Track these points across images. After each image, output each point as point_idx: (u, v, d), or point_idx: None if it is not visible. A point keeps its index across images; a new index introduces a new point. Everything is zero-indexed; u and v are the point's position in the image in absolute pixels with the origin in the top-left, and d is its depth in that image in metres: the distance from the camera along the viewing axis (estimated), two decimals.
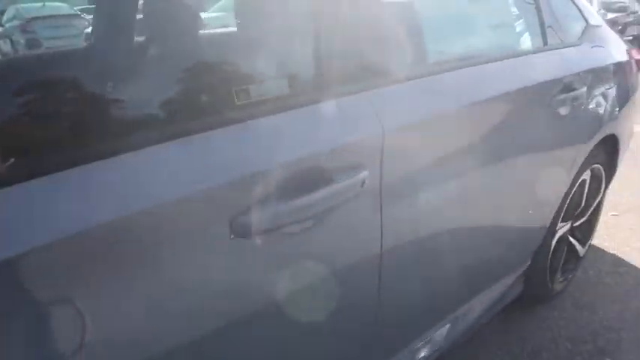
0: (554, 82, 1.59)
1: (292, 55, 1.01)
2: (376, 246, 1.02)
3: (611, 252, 2.74)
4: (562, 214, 1.93)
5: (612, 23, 15.64)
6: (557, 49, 1.72)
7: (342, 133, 0.93)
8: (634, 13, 18.30)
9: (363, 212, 0.98)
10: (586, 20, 2.07)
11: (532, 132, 1.51)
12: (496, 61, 1.40)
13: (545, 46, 1.69)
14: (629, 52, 2.49)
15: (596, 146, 1.96)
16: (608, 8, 16.46)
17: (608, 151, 2.23)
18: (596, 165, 2.10)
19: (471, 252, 1.42)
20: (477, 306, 1.54)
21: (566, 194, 1.86)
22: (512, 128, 1.41)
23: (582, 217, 2.20)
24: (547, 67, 1.60)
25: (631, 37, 13.51)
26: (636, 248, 2.78)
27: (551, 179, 1.71)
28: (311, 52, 0.96)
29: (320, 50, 0.97)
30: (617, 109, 2.14)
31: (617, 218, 3.15)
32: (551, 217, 1.81)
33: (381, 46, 1.07)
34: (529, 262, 1.85)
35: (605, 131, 2.01)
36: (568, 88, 1.64)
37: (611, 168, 2.33)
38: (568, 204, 1.93)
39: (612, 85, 2.07)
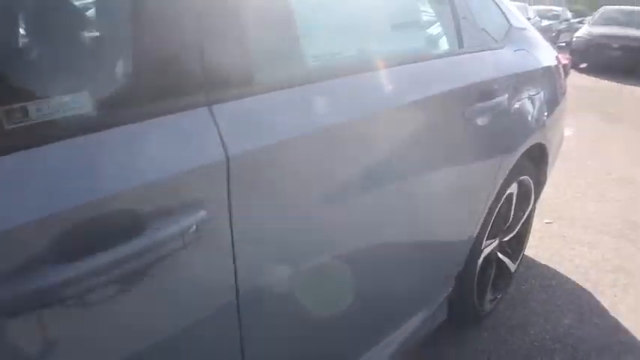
0: (470, 88, 1.42)
1: (100, 60, 0.73)
2: (230, 304, 0.80)
3: (545, 263, 2.64)
4: (487, 232, 1.77)
5: (547, 30, 16.23)
6: (474, 52, 1.57)
7: (166, 163, 0.69)
8: (566, 20, 19.11)
9: (201, 265, 0.75)
10: (509, 22, 1.94)
11: (445, 145, 1.33)
12: (399, 65, 1.21)
13: (461, 49, 1.52)
14: (557, 57, 2.40)
15: (523, 157, 1.82)
16: (542, 16, 17.08)
17: (537, 161, 2.11)
18: (523, 177, 1.97)
19: (376, 288, 1.23)
20: (386, 348, 1.33)
21: (491, 210, 1.71)
22: (421, 142, 1.23)
23: (511, 231, 2.06)
24: (462, 72, 1.43)
25: (564, 44, 13.98)
26: (569, 258, 2.69)
27: (471, 196, 1.55)
28: (126, 54, 0.70)
29: (138, 52, 0.71)
30: (545, 116, 2.02)
31: (550, 226, 3.08)
32: (474, 236, 1.65)
33: (231, 44, 0.81)
34: (452, 287, 1.68)
35: (532, 141, 1.88)
36: (486, 94, 1.48)
37: (540, 178, 2.21)
38: (494, 220, 1.78)
39: (538, 90, 1.94)
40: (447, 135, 1.32)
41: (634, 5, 16.54)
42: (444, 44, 1.51)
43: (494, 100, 1.50)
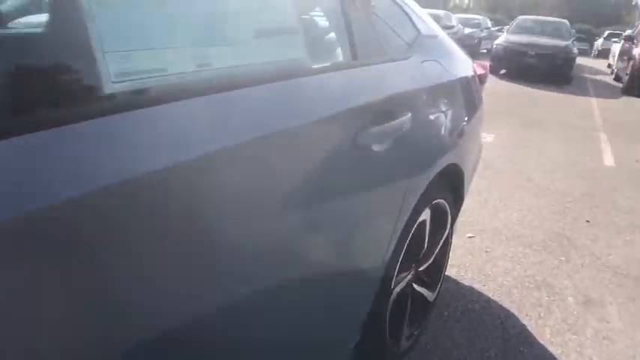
0: (363, 109, 1.16)
1: None
2: None
3: (468, 284, 2.48)
4: (398, 266, 1.55)
5: (469, 37, 16.74)
6: (371, 64, 1.33)
7: None
8: (487, 28, 19.87)
9: None
10: (417, 30, 1.75)
11: (333, 179, 1.07)
12: (268, 82, 0.95)
13: (355, 61, 1.30)
14: (473, 66, 2.26)
15: (435, 181, 1.62)
16: (465, 24, 17.63)
17: (452, 182, 1.93)
18: (438, 200, 1.77)
19: (261, 342, 0.97)
20: None
21: (400, 242, 1.49)
22: (298, 176, 0.97)
23: (427, 260, 1.86)
24: (353, 89, 1.17)
25: (485, 50, 14.42)
26: (492, 276, 2.55)
27: (372, 232, 1.32)
28: None
29: None
30: (459, 133, 1.84)
31: (473, 241, 2.94)
32: (381, 273, 1.42)
33: None
34: (360, 333, 1.44)
35: (444, 162, 1.69)
36: (385, 115, 1.24)
37: (457, 200, 2.04)
38: (405, 252, 1.56)
39: (450, 105, 1.75)
40: (334, 166, 1.07)
41: (547, 15, 17.44)
42: (331, 55, 1.25)
43: (395, 122, 1.28)
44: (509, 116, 6.84)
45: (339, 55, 1.26)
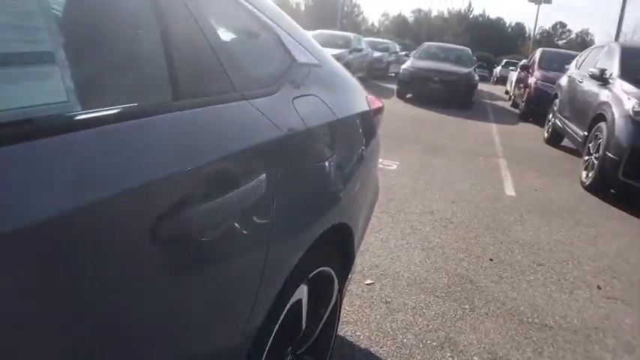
0: (173, 183, 0.79)
1: None
2: None
3: (364, 346, 2.15)
4: (264, 357, 1.17)
5: (378, 61, 17.01)
6: (202, 106, 0.93)
7: None
8: (395, 53, 20.42)
9: None
10: (292, 58, 1.40)
11: (166, 263, 0.71)
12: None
13: (177, 102, 0.88)
14: (367, 99, 1.96)
15: (312, 250, 1.27)
16: (374, 47, 17.97)
17: (339, 245, 1.61)
18: (321, 270, 1.43)
19: None
20: None
21: (264, 333, 1.11)
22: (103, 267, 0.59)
23: (309, 339, 1.50)
24: (162, 145, 0.80)
25: (393, 74, 14.66)
26: (392, 334, 2.24)
27: (219, 330, 0.94)
28: None
29: None
30: (346, 185, 1.52)
31: (372, 289, 2.64)
32: None
33: None
34: None
35: (326, 224, 1.35)
36: (217, 185, 0.87)
37: (346, 263, 1.71)
38: (275, 339, 1.19)
39: (333, 152, 1.42)
40: (125, 261, 0.69)
41: (451, 43, 18.23)
42: (128, 95, 0.81)
43: (233, 193, 0.90)
44: (414, 142, 6.79)
45: (148, 93, 0.86)
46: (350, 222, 1.57)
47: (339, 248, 1.62)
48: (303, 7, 68.46)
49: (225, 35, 1.20)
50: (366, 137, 1.83)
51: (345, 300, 2.46)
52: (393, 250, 3.14)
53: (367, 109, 1.88)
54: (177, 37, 0.92)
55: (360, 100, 1.87)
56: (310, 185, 1.26)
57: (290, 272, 1.16)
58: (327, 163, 1.35)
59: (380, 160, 5.32)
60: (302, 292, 1.32)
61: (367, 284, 2.67)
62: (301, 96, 1.33)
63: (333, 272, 1.54)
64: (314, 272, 1.38)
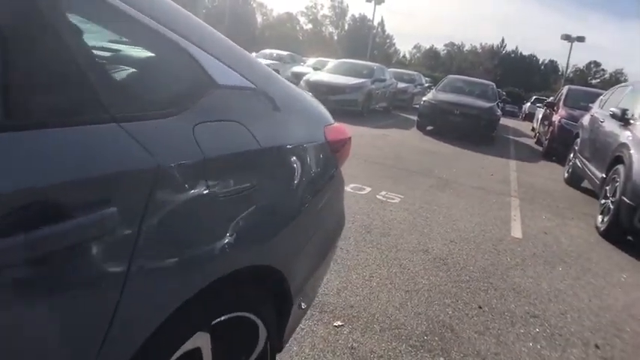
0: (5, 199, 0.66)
1: None
2: None
3: None
4: None
5: (402, 92, 16.91)
6: (40, 126, 0.80)
7: None
8: (420, 85, 20.32)
9: None
10: (210, 79, 1.25)
11: None
12: None
13: (9, 121, 0.77)
14: (325, 129, 1.80)
15: (214, 292, 1.11)
16: (399, 78, 17.91)
17: (267, 288, 1.44)
18: (235, 315, 1.26)
19: None
20: None
21: None
22: None
23: None
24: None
25: (417, 106, 14.50)
26: None
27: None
28: None
29: None
30: (268, 225, 1.35)
31: (339, 332, 2.43)
32: None
33: None
34: None
35: (232, 266, 1.19)
36: (52, 204, 0.74)
37: (281, 309, 1.53)
38: None
39: (243, 185, 1.25)
40: None
41: (482, 78, 18.03)
42: None
43: (58, 225, 0.75)
44: (424, 176, 6.57)
45: None
46: (278, 265, 1.40)
47: (268, 293, 1.44)
48: (335, 37, 69.40)
49: (116, 54, 1.07)
50: (315, 171, 1.67)
51: (307, 342, 2.27)
52: (373, 290, 2.93)
53: (321, 140, 1.72)
54: (18, 50, 0.79)
55: (313, 129, 1.71)
56: (202, 221, 1.10)
57: (169, 317, 0.99)
58: (234, 197, 1.19)
59: (383, 193, 5.18)
60: (202, 341, 1.15)
61: (336, 326, 2.46)
62: (211, 121, 1.18)
63: (257, 319, 1.36)
64: (222, 318, 1.21)
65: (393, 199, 5.11)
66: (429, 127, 11.94)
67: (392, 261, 3.42)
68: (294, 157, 1.52)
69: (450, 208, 5.13)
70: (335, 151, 1.83)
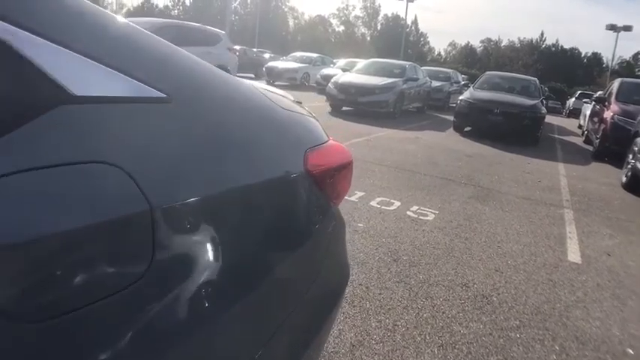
0: None
1: None
2: None
3: None
4: None
5: (437, 91, 16.16)
6: None
7: None
8: (457, 83, 19.43)
9: None
10: (65, 90, 0.70)
11: None
12: None
13: None
14: (315, 154, 1.23)
15: None
16: (433, 77, 17.12)
17: None
18: None
19: None
20: None
21: None
22: None
23: None
24: None
25: (454, 105, 13.73)
26: None
27: None
28: None
29: None
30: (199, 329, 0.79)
31: None
32: None
33: None
34: None
35: None
36: None
37: None
38: None
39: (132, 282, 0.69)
40: None
41: (521, 74, 17.04)
42: None
43: None
44: (462, 185, 5.87)
45: None
46: None
47: None
48: (368, 38, 68.63)
49: None
50: (285, 219, 1.08)
51: None
52: (397, 346, 2.31)
53: (297, 170, 1.14)
54: None
55: (283, 155, 1.14)
56: None
57: None
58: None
59: (414, 208, 4.51)
60: None
61: None
62: (39, 169, 0.61)
63: None
64: None
65: (426, 215, 4.46)
66: (467, 128, 11.17)
67: (422, 301, 2.79)
68: (234, 209, 0.94)
69: (494, 225, 4.44)
70: (322, 182, 1.25)
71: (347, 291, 2.74)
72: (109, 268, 0.70)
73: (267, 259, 1.03)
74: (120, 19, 0.94)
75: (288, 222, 1.13)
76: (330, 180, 1.29)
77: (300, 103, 1.62)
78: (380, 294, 2.80)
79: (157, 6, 72.18)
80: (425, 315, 2.63)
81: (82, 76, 0.75)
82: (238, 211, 0.94)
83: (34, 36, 0.71)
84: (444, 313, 2.68)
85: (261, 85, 1.41)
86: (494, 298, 2.94)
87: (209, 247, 0.87)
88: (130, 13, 65.24)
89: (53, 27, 0.75)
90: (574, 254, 3.94)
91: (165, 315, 0.76)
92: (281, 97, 1.43)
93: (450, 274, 3.21)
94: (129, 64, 0.84)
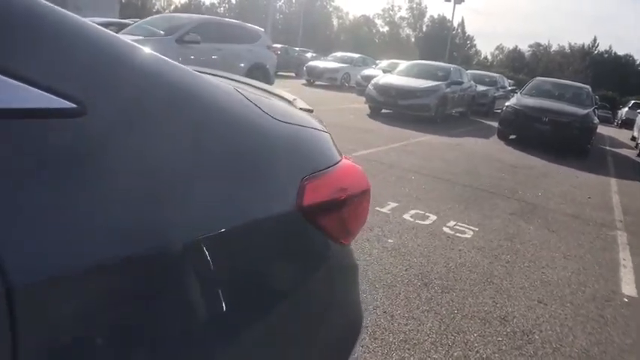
0: None
1: None
2: None
3: None
4: None
5: (482, 96, 15.61)
6: None
7: None
8: (503, 88, 18.75)
9: None
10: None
11: None
12: None
13: None
14: (316, 183, 0.97)
15: None
16: (479, 81, 16.56)
17: None
18: None
19: None
20: None
21: None
22: None
23: None
24: None
25: (499, 110, 13.18)
26: None
27: None
28: None
29: None
30: None
31: None
32: None
33: None
34: None
35: None
36: None
37: None
38: None
39: None
40: None
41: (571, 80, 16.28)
42: None
43: None
44: (505, 199, 5.48)
45: None
46: None
47: None
48: (413, 39, 67.70)
49: None
50: (268, 276, 0.82)
51: None
52: None
53: (286, 207, 0.88)
54: None
55: (265, 189, 0.88)
56: None
57: None
58: None
59: (451, 224, 4.17)
60: None
61: None
62: None
63: None
64: None
65: (464, 232, 4.12)
66: (512, 137, 10.64)
67: (454, 336, 2.48)
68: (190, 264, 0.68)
69: (538, 247, 4.05)
70: (322, 219, 0.97)
71: (369, 319, 2.47)
72: None
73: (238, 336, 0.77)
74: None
75: (267, 278, 0.86)
76: (335, 214, 1.02)
77: (312, 111, 1.35)
78: (406, 325, 2.50)
79: (203, 3, 73.20)
80: (456, 354, 2.32)
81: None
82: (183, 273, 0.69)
83: None
84: (477, 352, 2.37)
85: (257, 91, 1.15)
86: (537, 337, 2.60)
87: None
88: (177, 10, 66.43)
89: None
90: (629, 286, 3.52)
91: None
92: (282, 105, 1.16)
93: (487, 303, 2.88)
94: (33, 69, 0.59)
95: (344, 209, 1.04)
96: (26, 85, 0.56)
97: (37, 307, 0.52)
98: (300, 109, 1.31)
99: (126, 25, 11.86)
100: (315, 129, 1.17)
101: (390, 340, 2.35)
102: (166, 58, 0.88)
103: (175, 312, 0.68)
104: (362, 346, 2.25)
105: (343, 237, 1.07)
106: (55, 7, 0.67)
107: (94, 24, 0.76)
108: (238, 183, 0.83)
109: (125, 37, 0.80)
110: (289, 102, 1.37)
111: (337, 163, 1.09)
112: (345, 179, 1.07)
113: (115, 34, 0.80)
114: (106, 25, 13.06)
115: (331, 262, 1.05)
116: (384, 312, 2.59)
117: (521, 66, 60.74)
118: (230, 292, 0.76)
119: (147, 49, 0.85)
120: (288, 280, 0.91)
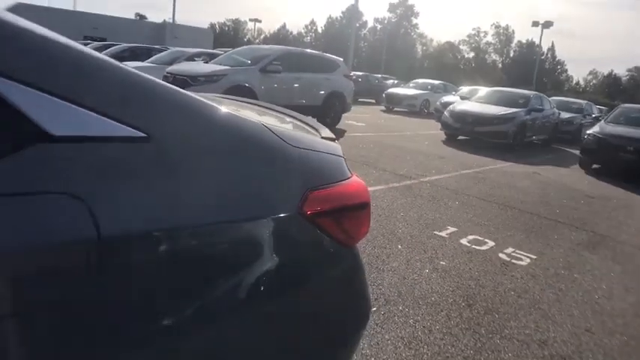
0: None
1: None
2: None
3: None
4: None
5: (566, 123, 15.05)
6: None
7: None
8: (591, 115, 17.91)
9: None
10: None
11: None
12: None
13: None
14: (320, 194, 1.25)
15: None
16: (564, 108, 16.00)
17: None
18: None
19: None
20: None
21: None
22: None
23: None
24: None
25: (585, 137, 12.68)
26: None
27: None
28: None
29: None
30: None
31: None
32: None
33: None
34: None
35: None
36: None
37: None
38: None
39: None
40: None
41: None
42: None
43: None
44: (573, 229, 5.37)
45: None
46: None
47: None
48: (500, 65, 66.05)
49: None
50: (266, 275, 1.10)
51: None
52: None
53: (288, 209, 1.15)
54: None
55: (267, 195, 1.17)
56: None
57: None
58: None
59: (509, 251, 4.26)
60: None
61: None
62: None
63: None
64: None
65: (521, 259, 4.15)
66: (595, 166, 10.21)
67: (487, 353, 2.59)
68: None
69: (598, 278, 3.99)
70: (324, 224, 1.24)
71: (406, 331, 2.64)
72: None
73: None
74: (105, 59, 1.02)
75: (275, 265, 1.14)
76: (335, 220, 1.27)
77: (334, 139, 1.61)
78: (442, 339, 2.65)
79: (291, 32, 76.27)
80: None
81: (61, 118, 0.85)
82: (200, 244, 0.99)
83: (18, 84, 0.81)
84: None
85: (276, 121, 1.44)
86: None
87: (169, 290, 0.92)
88: (266, 39, 69.66)
89: (32, 72, 0.85)
90: None
91: None
92: (301, 134, 1.44)
93: (528, 327, 2.95)
94: (109, 105, 0.92)
95: (343, 216, 1.30)
96: (118, 123, 0.91)
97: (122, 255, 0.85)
98: (323, 137, 1.58)
99: (216, 55, 12.86)
100: (330, 153, 1.44)
101: (424, 351, 2.51)
102: (215, 104, 1.20)
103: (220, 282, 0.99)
104: (395, 353, 2.43)
105: (346, 240, 1.33)
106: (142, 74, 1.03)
107: (162, 82, 1.10)
108: (255, 189, 1.13)
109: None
110: (315, 131, 1.65)
111: (344, 179, 1.35)
112: (346, 192, 1.33)
113: (179, 89, 1.13)
114: (198, 55, 14.19)
115: (334, 260, 1.31)
116: (424, 327, 2.76)
117: (617, 92, 57.23)
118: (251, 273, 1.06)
119: (202, 99, 1.18)
120: (295, 269, 1.19)
